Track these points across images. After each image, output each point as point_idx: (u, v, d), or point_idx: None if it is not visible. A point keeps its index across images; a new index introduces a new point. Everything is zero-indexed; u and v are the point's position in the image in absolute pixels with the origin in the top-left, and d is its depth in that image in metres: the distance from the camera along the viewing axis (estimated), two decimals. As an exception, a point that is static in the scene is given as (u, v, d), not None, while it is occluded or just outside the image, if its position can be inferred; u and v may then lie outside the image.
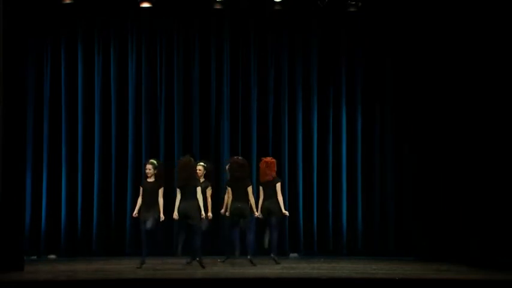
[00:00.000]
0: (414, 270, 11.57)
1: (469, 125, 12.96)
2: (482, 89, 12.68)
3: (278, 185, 12.33)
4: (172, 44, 14.51)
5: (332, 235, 14.50)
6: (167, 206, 11.79)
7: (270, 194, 12.28)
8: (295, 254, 14.22)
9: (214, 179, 12.87)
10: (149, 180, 11.76)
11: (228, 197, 12.24)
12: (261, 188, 12.41)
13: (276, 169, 12.55)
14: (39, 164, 14.05)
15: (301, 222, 14.40)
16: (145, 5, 13.78)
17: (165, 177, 12.01)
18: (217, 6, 14.05)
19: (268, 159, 12.61)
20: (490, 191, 12.41)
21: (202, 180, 12.23)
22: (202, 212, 11.63)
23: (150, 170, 11.76)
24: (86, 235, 14.09)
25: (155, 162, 11.92)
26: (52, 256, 13.88)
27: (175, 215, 11.58)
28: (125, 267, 11.52)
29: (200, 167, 12.33)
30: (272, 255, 12.15)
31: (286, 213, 12.48)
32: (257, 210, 12.23)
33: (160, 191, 11.63)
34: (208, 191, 12.17)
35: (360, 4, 13.92)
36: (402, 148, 14.52)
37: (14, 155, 11.23)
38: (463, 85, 13.12)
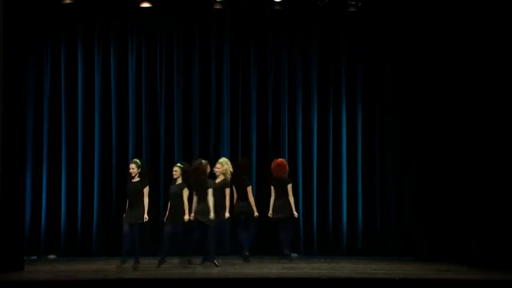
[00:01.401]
0: (414, 270, 11.57)
1: (469, 125, 12.95)
2: (482, 89, 12.68)
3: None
4: (172, 44, 14.52)
5: (332, 235, 14.50)
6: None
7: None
8: (295, 254, 14.21)
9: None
10: (134, 180, 11.63)
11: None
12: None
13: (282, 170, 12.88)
14: (39, 164, 14.05)
15: (301, 222, 14.39)
16: (145, 5, 13.78)
17: (150, 176, 12.19)
18: (217, 6, 14.05)
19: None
20: (489, 191, 12.40)
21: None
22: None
23: (133, 169, 11.61)
24: (86, 235, 14.09)
25: (138, 161, 11.81)
26: (52, 256, 13.87)
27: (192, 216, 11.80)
28: (125, 267, 11.51)
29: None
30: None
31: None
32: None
33: (145, 191, 11.49)
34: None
35: (360, 4, 13.93)
36: (402, 148, 14.52)
37: (14, 155, 11.22)
38: (463, 85, 13.12)
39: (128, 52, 14.40)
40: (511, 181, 12.03)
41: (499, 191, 12.23)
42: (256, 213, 12.49)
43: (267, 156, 14.26)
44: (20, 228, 11.49)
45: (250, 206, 12.54)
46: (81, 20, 14.27)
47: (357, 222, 14.51)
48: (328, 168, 14.59)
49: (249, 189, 12.56)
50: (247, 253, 12.47)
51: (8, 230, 11.01)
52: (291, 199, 12.75)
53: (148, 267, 11.48)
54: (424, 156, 13.94)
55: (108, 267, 11.80)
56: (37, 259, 13.51)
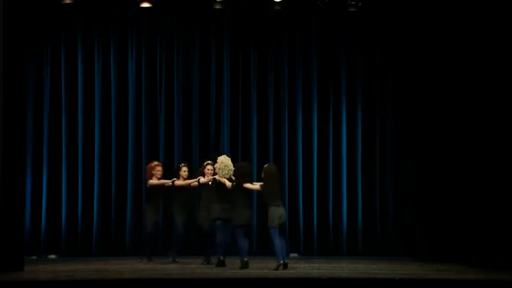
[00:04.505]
0: (414, 270, 11.57)
1: (468, 126, 12.94)
2: (482, 88, 12.66)
3: None
4: (173, 44, 14.52)
5: (332, 235, 14.51)
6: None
7: None
8: (295, 254, 14.22)
9: None
10: None
11: None
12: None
13: None
14: (39, 164, 14.05)
15: (301, 222, 14.40)
16: (145, 5, 13.79)
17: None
18: (217, 6, 14.06)
19: None
20: (489, 191, 12.40)
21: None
22: None
23: None
24: (86, 235, 14.09)
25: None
26: (52, 256, 13.88)
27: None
28: (125, 267, 11.51)
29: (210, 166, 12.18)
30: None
31: None
32: None
33: None
34: None
35: (360, 4, 13.93)
36: (402, 148, 14.54)
37: (14, 155, 11.20)
38: (463, 85, 13.10)
39: (128, 52, 14.41)
40: (511, 181, 12.03)
41: (498, 191, 12.22)
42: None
43: (267, 157, 14.30)
44: (20, 228, 11.47)
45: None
46: (81, 20, 14.28)
47: (357, 222, 14.53)
48: (328, 168, 14.60)
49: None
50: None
51: (8, 230, 10.99)
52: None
53: (148, 267, 11.49)
54: (423, 157, 13.95)
55: (108, 267, 11.80)
56: (37, 259, 13.50)
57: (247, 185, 11.34)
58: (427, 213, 13.77)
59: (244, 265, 11.13)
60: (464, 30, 13.03)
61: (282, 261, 10.96)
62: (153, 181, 12.54)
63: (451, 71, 13.38)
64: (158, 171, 12.58)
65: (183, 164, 12.63)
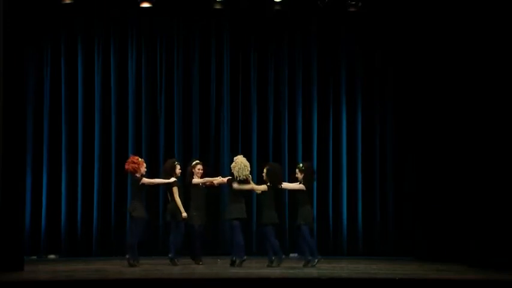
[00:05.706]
0: (414, 270, 11.57)
1: (468, 126, 12.94)
2: (482, 89, 12.66)
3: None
4: (173, 44, 14.52)
5: (332, 235, 14.51)
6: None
7: None
8: (295, 254, 14.21)
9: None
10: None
11: None
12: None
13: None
14: (39, 164, 14.05)
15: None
16: (145, 5, 13.79)
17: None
18: (217, 6, 14.06)
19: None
20: (489, 191, 12.39)
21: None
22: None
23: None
24: (86, 235, 14.08)
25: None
26: (52, 256, 13.88)
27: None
28: (125, 267, 11.51)
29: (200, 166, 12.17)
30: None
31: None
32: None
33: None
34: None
35: (360, 4, 13.94)
36: (402, 149, 14.53)
37: (14, 155, 11.20)
38: (463, 85, 13.10)
39: (128, 52, 14.41)
40: (511, 181, 12.03)
41: (498, 191, 12.21)
42: (184, 214, 11.90)
43: (267, 157, 14.29)
44: (20, 228, 11.47)
45: (177, 207, 12.00)
46: (81, 20, 14.28)
47: (357, 223, 14.52)
48: (328, 168, 14.60)
49: (175, 189, 12.01)
50: (170, 255, 11.91)
51: (8, 230, 10.99)
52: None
53: (148, 267, 11.49)
54: (423, 157, 13.94)
55: (108, 267, 11.80)
56: (37, 259, 13.50)
57: (288, 185, 11.76)
58: (427, 213, 13.76)
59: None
60: (464, 30, 13.03)
61: (320, 257, 11.49)
62: (148, 179, 11.90)
63: (451, 71, 13.37)
64: (145, 168, 11.96)
65: (177, 162, 12.28)
